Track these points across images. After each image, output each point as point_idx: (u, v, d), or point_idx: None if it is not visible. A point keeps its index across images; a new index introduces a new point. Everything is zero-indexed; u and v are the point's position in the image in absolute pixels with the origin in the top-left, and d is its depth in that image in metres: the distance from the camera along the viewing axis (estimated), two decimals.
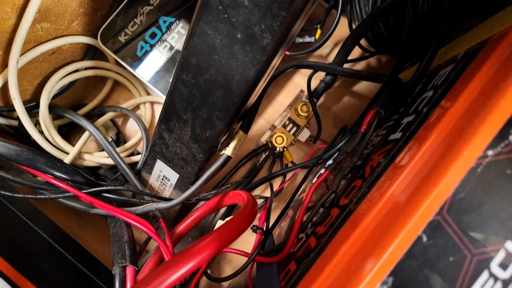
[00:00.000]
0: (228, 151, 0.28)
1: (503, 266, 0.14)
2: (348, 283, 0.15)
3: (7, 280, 0.21)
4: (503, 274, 0.14)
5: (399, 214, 0.15)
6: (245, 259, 0.43)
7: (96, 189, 0.27)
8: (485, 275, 0.14)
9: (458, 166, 0.15)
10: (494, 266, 0.14)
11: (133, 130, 0.43)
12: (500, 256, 0.14)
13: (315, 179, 0.35)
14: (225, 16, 0.20)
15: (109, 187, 0.27)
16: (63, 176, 0.26)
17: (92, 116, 0.42)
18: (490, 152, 0.15)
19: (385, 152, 0.22)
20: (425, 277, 0.14)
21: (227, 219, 0.31)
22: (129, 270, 0.24)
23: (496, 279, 0.14)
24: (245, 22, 0.19)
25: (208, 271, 0.31)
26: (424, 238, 0.14)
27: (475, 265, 0.14)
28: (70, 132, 0.42)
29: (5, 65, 0.31)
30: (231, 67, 0.22)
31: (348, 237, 0.17)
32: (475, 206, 0.14)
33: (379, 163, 0.21)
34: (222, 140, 0.28)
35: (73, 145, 0.37)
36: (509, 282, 0.14)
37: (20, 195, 0.26)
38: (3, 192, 0.25)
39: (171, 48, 0.38)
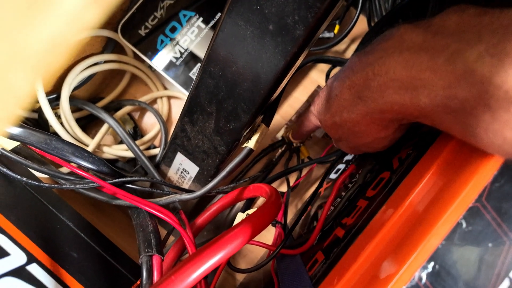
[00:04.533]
0: (251, 144, 0.28)
1: None
2: (386, 268, 0.15)
3: (45, 268, 0.22)
4: None
5: (438, 200, 0.15)
6: (260, 252, 0.43)
7: (122, 179, 0.27)
8: None
9: None
10: None
11: (150, 124, 0.44)
12: None
13: (332, 175, 0.35)
14: (258, 7, 0.20)
15: (134, 178, 0.27)
16: (90, 166, 0.26)
17: (109, 110, 0.42)
18: None
19: (412, 145, 0.22)
20: (464, 262, 0.14)
21: (248, 211, 0.31)
22: (156, 259, 0.24)
23: None
24: (278, 13, 0.19)
25: None
26: (464, 224, 0.15)
27: None
28: (87, 125, 0.43)
29: None
30: (260, 59, 0.22)
31: (383, 224, 0.17)
32: None
33: (408, 155, 0.21)
34: (245, 133, 0.28)
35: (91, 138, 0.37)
36: None
37: (47, 185, 0.26)
38: (30, 182, 0.25)
39: (191, 42, 0.38)
